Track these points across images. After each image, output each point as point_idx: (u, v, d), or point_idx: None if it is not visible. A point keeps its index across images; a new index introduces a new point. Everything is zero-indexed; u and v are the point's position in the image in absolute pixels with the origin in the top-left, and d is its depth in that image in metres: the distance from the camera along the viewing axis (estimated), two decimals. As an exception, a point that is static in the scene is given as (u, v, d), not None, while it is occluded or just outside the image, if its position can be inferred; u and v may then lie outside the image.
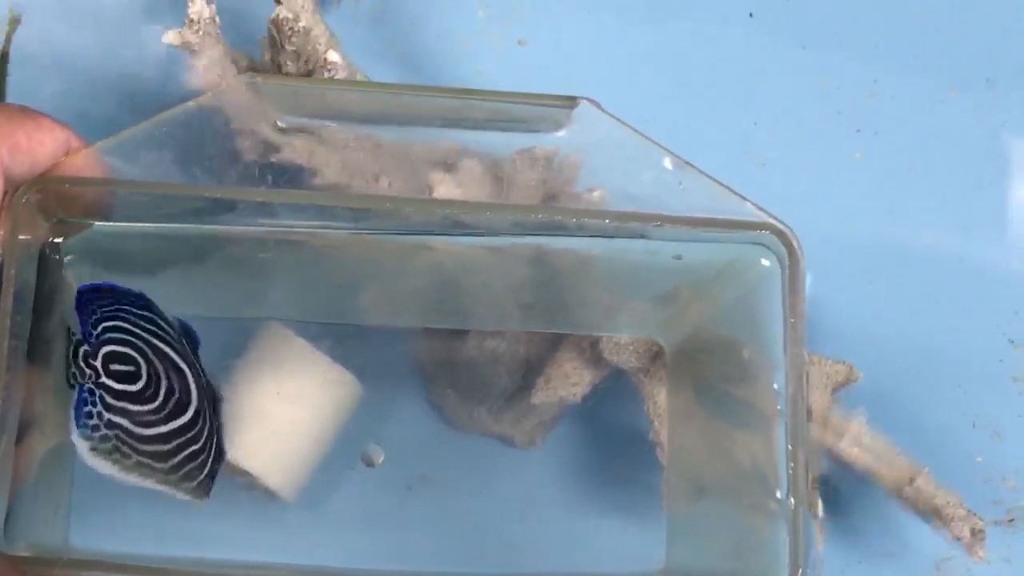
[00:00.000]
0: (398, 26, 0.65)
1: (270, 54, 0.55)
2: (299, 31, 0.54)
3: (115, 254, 0.46)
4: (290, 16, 0.54)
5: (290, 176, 0.47)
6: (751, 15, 0.65)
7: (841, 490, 0.57)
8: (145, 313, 0.46)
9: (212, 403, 0.47)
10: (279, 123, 0.47)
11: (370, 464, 0.57)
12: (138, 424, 0.44)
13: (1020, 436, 0.61)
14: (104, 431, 0.43)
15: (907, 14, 0.65)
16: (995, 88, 0.64)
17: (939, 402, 0.61)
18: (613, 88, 0.63)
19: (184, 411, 0.45)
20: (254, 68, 0.57)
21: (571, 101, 0.45)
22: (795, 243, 0.42)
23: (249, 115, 0.46)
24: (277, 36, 0.55)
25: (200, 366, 0.47)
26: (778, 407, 0.42)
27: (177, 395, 0.45)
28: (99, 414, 0.43)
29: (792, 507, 0.40)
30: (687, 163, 0.44)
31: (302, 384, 0.56)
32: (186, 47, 0.53)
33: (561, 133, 0.46)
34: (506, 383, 0.58)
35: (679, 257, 0.45)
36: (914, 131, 0.64)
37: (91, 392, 0.43)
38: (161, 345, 0.45)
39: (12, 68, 0.62)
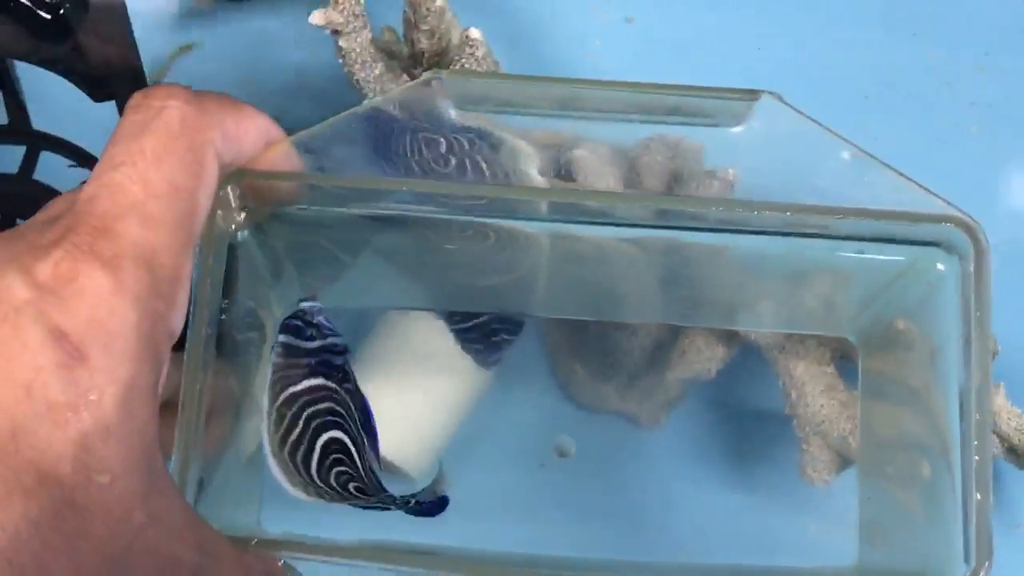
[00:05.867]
0: (505, 9, 0.65)
1: (407, 32, 0.56)
2: (435, 11, 0.54)
3: (288, 242, 0.46)
4: (427, -5, 0.54)
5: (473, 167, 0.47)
6: None
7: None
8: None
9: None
10: (457, 116, 0.46)
11: (564, 455, 0.57)
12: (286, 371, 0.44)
13: None
14: (275, 357, 0.44)
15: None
16: None
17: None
18: (722, 68, 0.64)
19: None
20: (392, 48, 0.57)
21: (753, 94, 0.44)
22: (981, 236, 0.42)
23: (433, 110, 0.45)
24: (412, 16, 0.55)
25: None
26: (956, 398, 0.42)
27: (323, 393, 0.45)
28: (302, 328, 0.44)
29: (979, 502, 0.40)
30: (870, 156, 0.44)
31: (430, 368, 0.56)
32: (331, 26, 0.53)
33: (741, 127, 0.46)
34: (638, 357, 0.58)
35: (861, 253, 0.45)
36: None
37: (305, 324, 0.44)
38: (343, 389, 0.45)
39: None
